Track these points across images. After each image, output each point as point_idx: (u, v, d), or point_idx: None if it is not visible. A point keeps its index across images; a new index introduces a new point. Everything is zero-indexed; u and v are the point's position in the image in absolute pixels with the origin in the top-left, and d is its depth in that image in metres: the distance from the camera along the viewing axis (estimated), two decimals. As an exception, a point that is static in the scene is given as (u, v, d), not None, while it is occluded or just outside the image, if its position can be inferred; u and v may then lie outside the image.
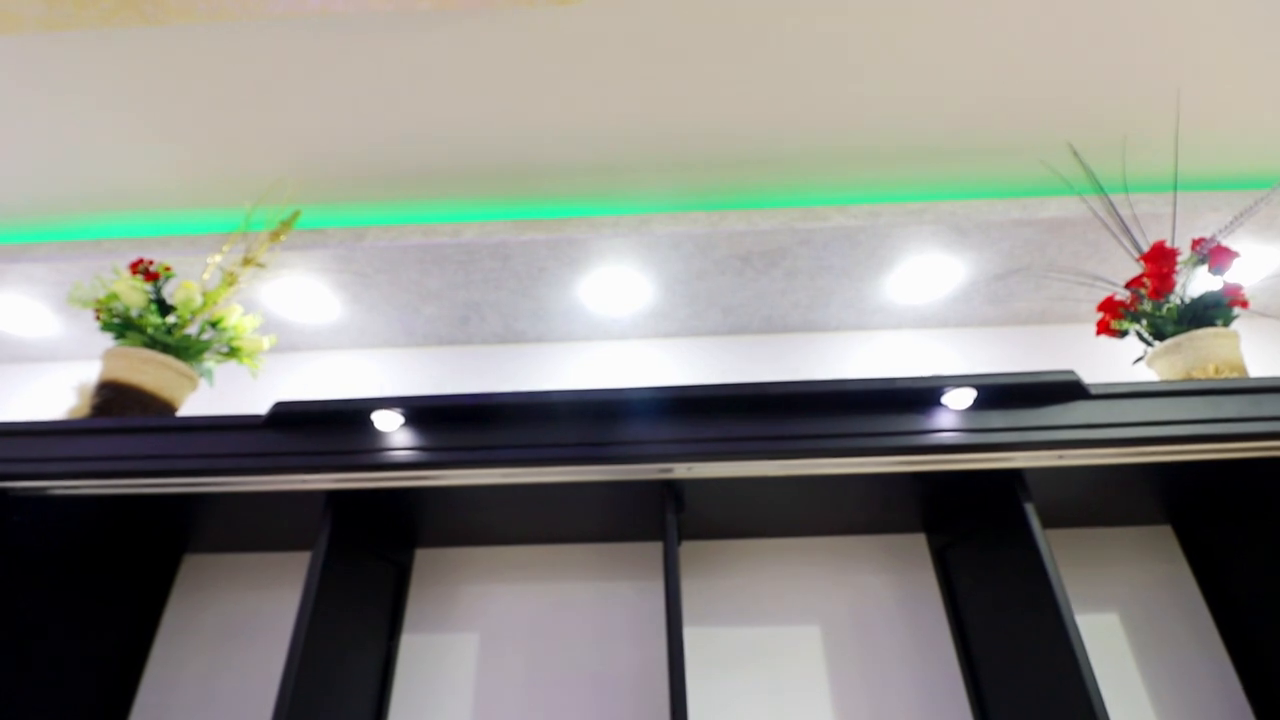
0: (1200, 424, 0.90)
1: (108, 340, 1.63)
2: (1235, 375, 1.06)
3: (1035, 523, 0.94)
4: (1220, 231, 1.20)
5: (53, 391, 1.71)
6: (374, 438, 0.95)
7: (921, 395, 0.91)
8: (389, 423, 0.94)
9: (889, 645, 1.21)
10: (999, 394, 0.91)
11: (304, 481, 0.98)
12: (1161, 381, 0.93)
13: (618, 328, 1.60)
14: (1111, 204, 1.25)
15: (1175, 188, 1.27)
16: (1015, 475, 0.98)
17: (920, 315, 1.58)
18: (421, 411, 0.94)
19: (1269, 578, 1.11)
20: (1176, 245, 1.21)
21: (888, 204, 1.30)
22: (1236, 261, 1.36)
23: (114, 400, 1.07)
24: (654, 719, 1.19)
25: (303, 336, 1.60)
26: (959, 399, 0.91)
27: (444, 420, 0.96)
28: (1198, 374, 1.08)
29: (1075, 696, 0.85)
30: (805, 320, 1.59)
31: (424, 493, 1.08)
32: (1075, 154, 1.26)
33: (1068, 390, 0.91)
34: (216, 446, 0.94)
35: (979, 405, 0.91)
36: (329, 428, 0.95)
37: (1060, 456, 0.93)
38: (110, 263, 1.35)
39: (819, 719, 1.16)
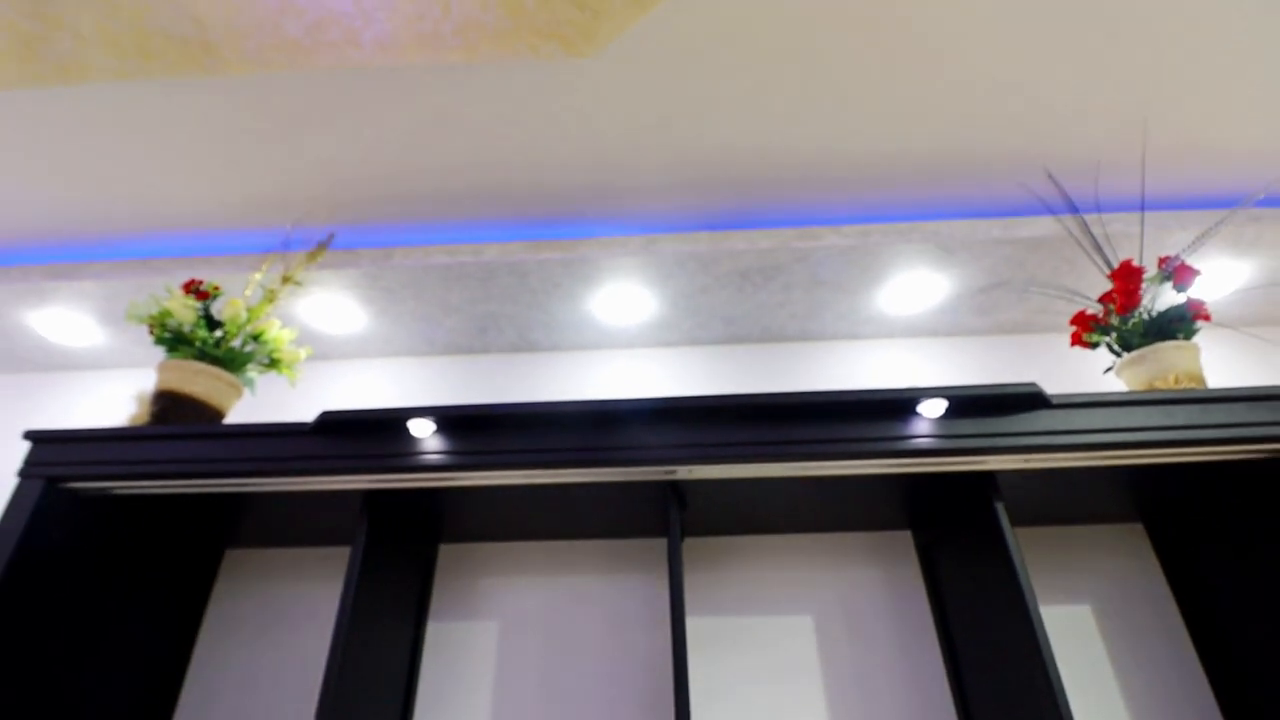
0: (1153, 431, 1.00)
1: (146, 350, 1.75)
2: (1194, 385, 1.16)
3: (1005, 521, 1.03)
4: (1185, 250, 1.29)
5: (96, 397, 1.83)
6: (408, 443, 1.06)
7: (899, 405, 1.01)
8: (422, 429, 1.05)
9: (876, 634, 1.31)
10: (968, 404, 1.01)
11: (344, 482, 1.09)
12: (1116, 392, 1.02)
13: (625, 337, 1.71)
14: (1085, 224, 1.34)
15: (1142, 209, 1.36)
16: (988, 477, 1.07)
17: (910, 325, 1.68)
18: (450, 419, 1.05)
19: (1232, 574, 1.20)
20: (1145, 263, 1.30)
21: (877, 224, 1.40)
22: (1206, 276, 1.45)
23: (170, 408, 1.19)
24: (660, 701, 1.29)
25: (332, 345, 1.72)
26: (933, 408, 1.01)
27: (470, 427, 1.07)
28: (1160, 384, 1.17)
29: (1041, 683, 0.95)
30: (801, 330, 1.69)
31: (450, 492, 1.18)
32: (1051, 177, 1.35)
33: (1031, 400, 1.00)
34: (268, 450, 1.05)
35: (951, 414, 1.01)
36: (368, 434, 1.06)
37: (1026, 460, 1.03)
38: (158, 280, 1.47)
39: (811, 702, 1.26)
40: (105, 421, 1.75)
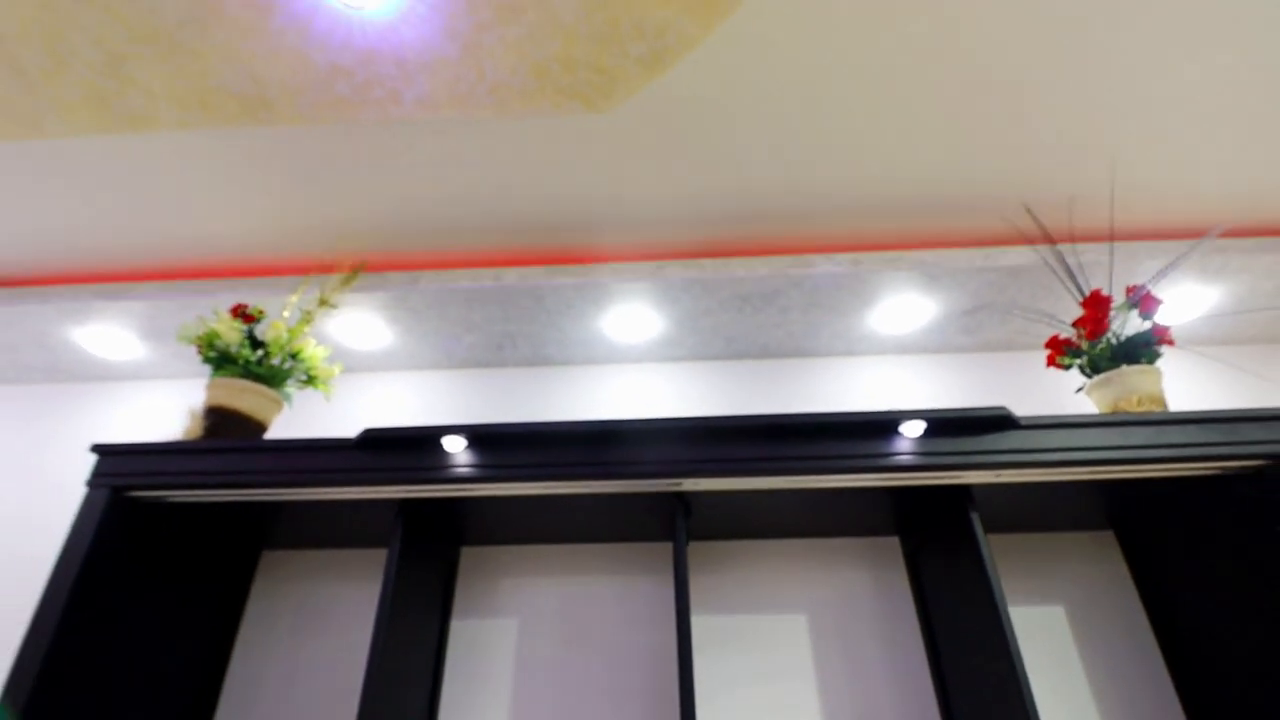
0: (1112, 450, 1.11)
1: (183, 363, 1.87)
2: (1155, 406, 1.27)
3: (979, 530, 1.14)
4: (1152, 279, 1.40)
5: (133, 406, 1.94)
6: (441, 457, 1.17)
7: (883, 425, 1.12)
8: (454, 445, 1.16)
9: (866, 632, 1.42)
10: (944, 424, 1.12)
11: (382, 492, 1.20)
12: (1079, 414, 1.13)
13: (633, 353, 1.82)
14: (1060, 254, 1.45)
15: (1111, 240, 1.47)
16: (963, 490, 1.19)
17: (900, 343, 1.79)
18: (480, 436, 1.16)
19: (1193, 579, 1.31)
20: (1114, 291, 1.42)
21: (868, 253, 1.51)
22: (1177, 301, 1.57)
23: (220, 422, 1.30)
24: (666, 694, 1.40)
25: (358, 359, 1.83)
26: (913, 429, 1.12)
27: (497, 443, 1.18)
28: (1124, 404, 1.28)
29: (1008, 674, 1.06)
30: (798, 348, 1.80)
31: (474, 500, 1.29)
32: (1029, 211, 1.46)
33: (1001, 422, 1.11)
34: (314, 463, 1.17)
35: (929, 433, 1.13)
36: (405, 449, 1.17)
37: (998, 475, 1.14)
38: (201, 300, 1.58)
39: (805, 694, 1.37)
40: (144, 428, 1.87)
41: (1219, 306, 1.65)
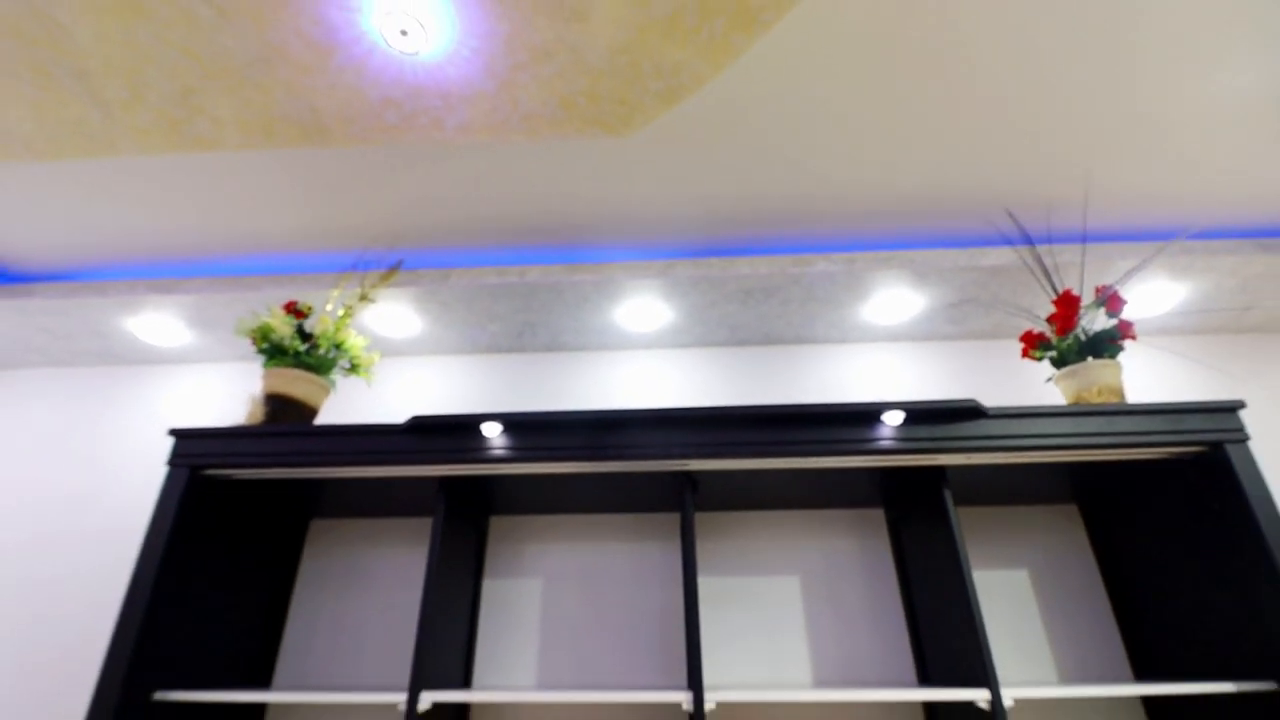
0: (1069, 436, 1.27)
1: (224, 349, 2.02)
2: (1114, 397, 1.42)
3: (950, 504, 1.31)
4: (1119, 280, 1.54)
5: (179, 387, 2.10)
6: (478, 440, 1.33)
7: (868, 415, 1.28)
8: (491, 430, 1.32)
9: (851, 591, 1.61)
10: (921, 414, 1.27)
11: (426, 470, 1.36)
12: (1041, 406, 1.28)
13: (644, 340, 1.97)
14: (1037, 254, 1.59)
15: (1084, 242, 1.60)
16: (938, 470, 1.35)
17: (892, 332, 1.93)
18: (513, 422, 1.32)
19: (1145, 548, 1.48)
20: (1085, 289, 1.55)
21: (861, 252, 1.64)
22: (1147, 297, 1.71)
23: (279, 408, 1.46)
24: (674, 647, 1.59)
25: (390, 345, 1.98)
26: (894, 418, 1.27)
27: (528, 428, 1.34)
28: (1086, 394, 1.43)
29: (969, 632, 1.23)
30: (797, 336, 1.95)
31: (506, 477, 1.46)
32: (1010, 215, 1.59)
33: (970, 412, 1.27)
34: (368, 445, 1.33)
35: (908, 422, 1.28)
36: (448, 433, 1.33)
37: (968, 458, 1.30)
38: (248, 294, 1.73)
39: (797, 645, 1.56)
40: (191, 408, 2.03)
41: (1187, 302, 1.78)
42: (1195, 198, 1.57)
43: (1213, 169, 1.49)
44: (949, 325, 1.89)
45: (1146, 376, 1.84)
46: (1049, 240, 1.62)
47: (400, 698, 1.23)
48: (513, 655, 1.59)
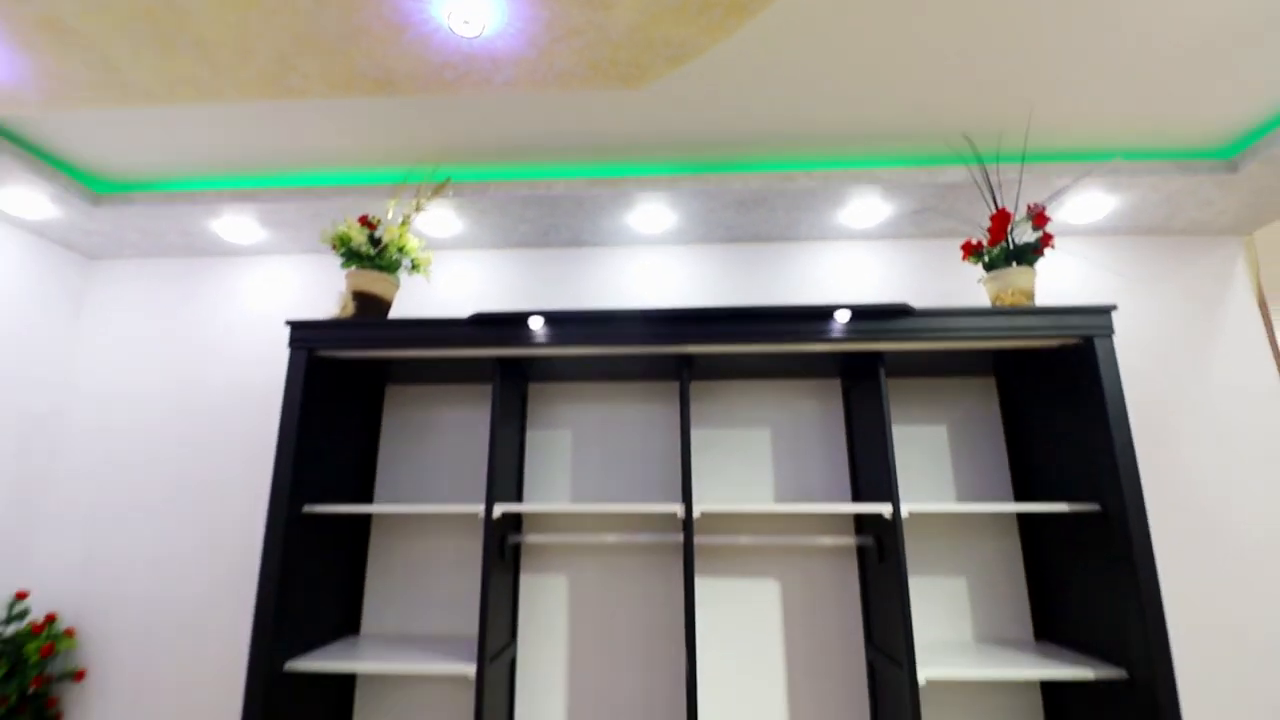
0: (977, 330, 1.66)
1: (291, 242, 2.35)
2: (1025, 299, 1.79)
3: (883, 379, 1.74)
4: (1049, 197, 1.84)
5: (252, 276, 2.46)
6: (525, 330, 1.73)
7: (824, 313, 1.67)
8: (536, 323, 1.72)
9: (809, 440, 2.10)
10: (864, 313, 1.66)
11: (485, 352, 1.78)
12: (956, 307, 1.66)
13: (651, 239, 2.30)
14: (986, 173, 1.87)
15: (1022, 162, 1.87)
16: (878, 354, 1.76)
17: (864, 232, 2.26)
18: (552, 317, 1.71)
19: (1038, 413, 1.93)
20: (1021, 205, 1.86)
21: (837, 170, 1.92)
22: (1084, 206, 2.01)
23: (364, 303, 1.84)
24: (672, 476, 2.11)
25: (434, 242, 2.31)
26: (843, 315, 1.66)
27: (562, 321, 1.73)
28: (1003, 295, 1.80)
29: (884, 467, 1.71)
30: (782, 235, 2.27)
31: (546, 357, 1.88)
32: (967, 139, 1.85)
33: (901, 311, 1.65)
34: (441, 333, 1.73)
35: (854, 318, 1.67)
36: (503, 325, 1.73)
37: (899, 345, 1.70)
38: (315, 202, 2.03)
39: (765, 474, 2.09)
40: (265, 292, 2.41)
41: (1118, 210, 2.08)
42: (1125, 123, 1.82)
43: (1142, 99, 1.73)
44: (911, 228, 2.21)
45: (1070, 277, 2.19)
46: (997, 160, 1.89)
47: (479, 508, 1.76)
48: (551, 483, 2.13)
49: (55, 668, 2.13)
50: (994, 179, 1.88)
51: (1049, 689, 1.89)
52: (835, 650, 1.97)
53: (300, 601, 1.73)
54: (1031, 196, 1.92)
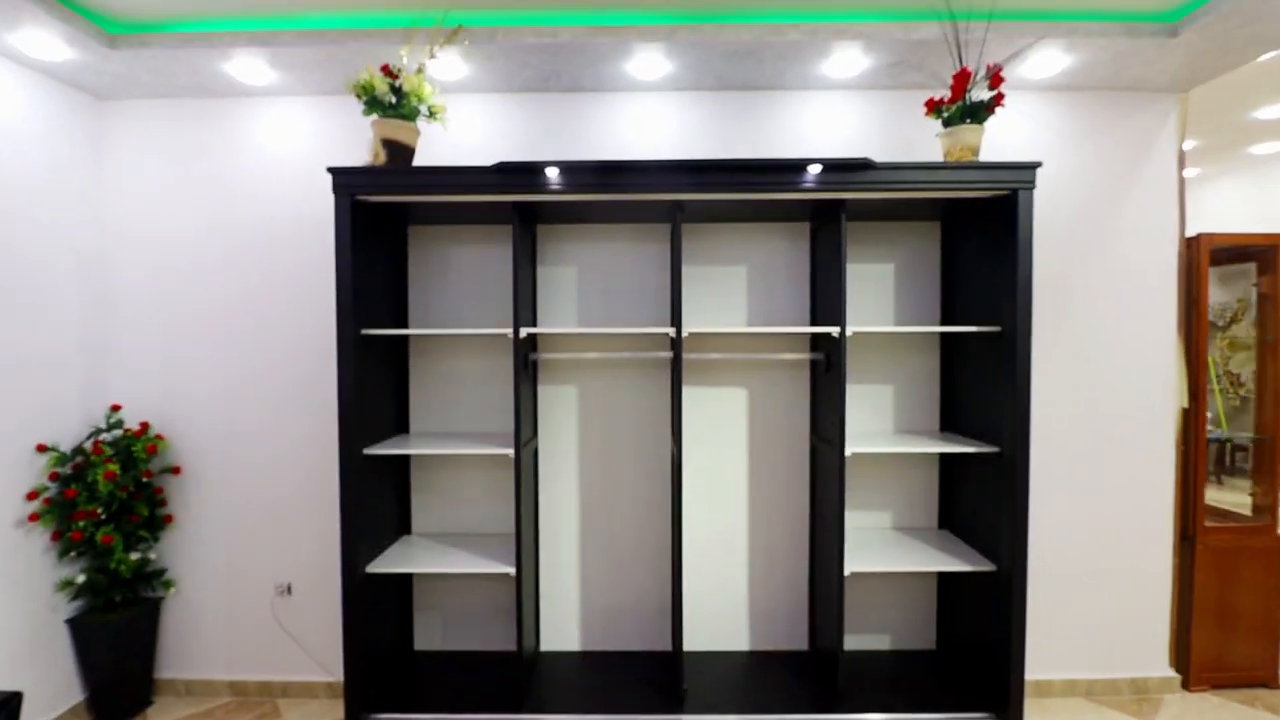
0: (925, 182, 1.98)
1: (300, 84, 2.43)
2: (970, 154, 2.07)
3: (844, 222, 2.07)
4: (1007, 59, 2.05)
5: (264, 116, 2.57)
6: (541, 177, 1.99)
7: (798, 166, 1.95)
8: (551, 172, 1.97)
9: (779, 275, 2.49)
10: (831, 166, 1.95)
11: (505, 198, 2.05)
12: (910, 161, 1.96)
13: (647, 84, 2.45)
14: (956, 30, 2.05)
15: (988, 22, 2.03)
16: (841, 202, 2.08)
17: (844, 83, 2.44)
18: (563, 167, 1.96)
19: (969, 252, 2.31)
20: (983, 63, 2.07)
21: (823, 23, 2.07)
22: (1044, 61, 2.22)
23: (394, 150, 2.05)
24: (664, 304, 2.51)
25: (440, 85, 2.42)
26: (814, 168, 1.95)
27: (573, 170, 1.99)
28: (954, 150, 2.08)
29: (838, 295, 2.11)
30: (770, 84, 2.44)
31: (557, 202, 2.15)
32: (944, -3, 2.00)
33: (864, 164, 1.95)
34: (468, 179, 1.99)
35: (823, 171, 1.96)
36: (522, 173, 1.98)
37: (860, 193, 2.02)
38: (329, 46, 2.12)
39: (739, 302, 2.50)
40: (278, 133, 2.55)
41: (1070, 68, 2.30)
42: (1091, -17, 1.99)
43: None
44: (887, 80, 2.40)
45: (1020, 132, 2.46)
46: (968, 18, 2.05)
47: (508, 330, 2.15)
48: (562, 310, 2.52)
49: (155, 465, 2.61)
50: (962, 38, 2.06)
51: (945, 460, 2.51)
52: (787, 439, 2.55)
53: (366, 406, 2.17)
54: (995, 55, 2.12)
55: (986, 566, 2.12)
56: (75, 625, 2.45)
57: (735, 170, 2.00)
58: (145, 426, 2.57)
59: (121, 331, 2.61)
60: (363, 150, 2.53)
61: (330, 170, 1.99)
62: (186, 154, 2.58)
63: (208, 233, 2.59)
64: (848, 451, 2.12)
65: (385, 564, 2.19)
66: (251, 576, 2.64)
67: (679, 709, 2.13)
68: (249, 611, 2.64)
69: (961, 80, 2.03)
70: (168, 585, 2.61)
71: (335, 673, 2.62)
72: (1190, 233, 2.64)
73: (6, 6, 1.88)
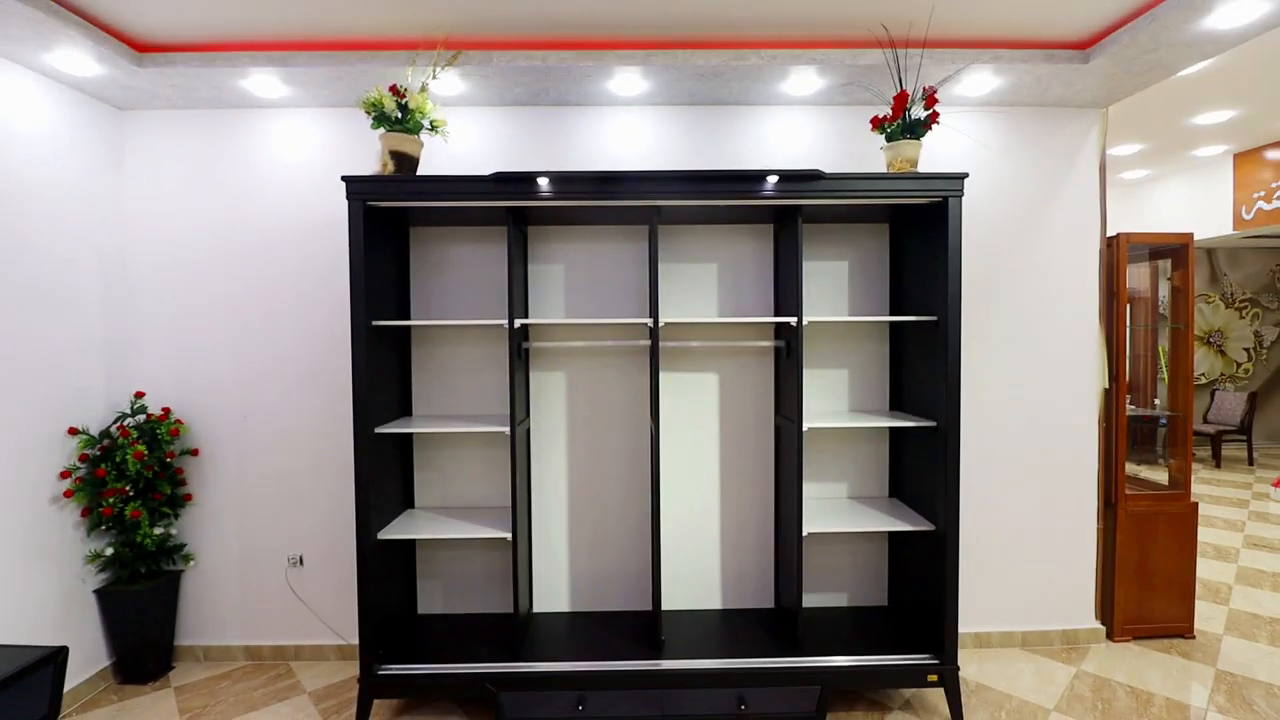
0: (870, 191, 2.27)
1: (310, 97, 2.66)
2: (909, 166, 2.36)
3: (800, 225, 2.36)
4: (941, 81, 2.35)
5: (275, 126, 2.79)
6: (534, 185, 2.25)
7: (759, 176, 2.23)
8: (543, 180, 2.23)
9: (746, 272, 2.77)
10: (787, 176, 2.23)
11: (500, 203, 2.30)
12: (857, 172, 2.25)
13: (626, 100, 2.72)
14: (897, 57, 2.34)
15: (923, 48, 2.33)
16: (798, 207, 2.36)
17: (803, 99, 2.73)
18: (554, 176, 2.23)
19: (913, 252, 2.61)
20: (920, 86, 2.36)
21: (781, 50, 2.35)
22: (975, 83, 2.52)
23: (400, 160, 2.30)
24: (643, 298, 2.78)
25: (437, 98, 2.67)
26: (772, 179, 2.23)
27: (562, 180, 2.25)
28: (895, 162, 2.37)
29: (796, 289, 2.40)
30: (736, 100, 2.73)
31: (546, 206, 2.40)
32: (884, 28, 2.29)
33: (815, 175, 2.23)
34: (467, 187, 2.24)
35: (780, 181, 2.25)
36: (516, 181, 2.24)
37: (814, 201, 2.31)
38: (339, 67, 2.36)
39: (710, 294, 2.78)
40: (287, 142, 2.78)
41: (1000, 87, 2.61)
42: (1007, 20, 2.29)
43: (1019, 3, 2.19)
44: (841, 96, 2.69)
45: (957, 146, 2.77)
46: (906, 46, 2.34)
47: (504, 321, 2.41)
48: (551, 304, 2.78)
49: (176, 446, 2.83)
50: (902, 63, 2.36)
51: (894, 437, 2.82)
52: (754, 419, 2.83)
53: (376, 390, 2.41)
54: (930, 79, 2.42)
55: (926, 526, 2.43)
56: (103, 595, 2.67)
57: (705, 180, 2.27)
58: (167, 411, 2.79)
59: (142, 325, 2.83)
60: (366, 157, 2.77)
61: (344, 179, 2.23)
62: (202, 160, 2.80)
63: (221, 233, 2.81)
64: (805, 426, 2.41)
65: (394, 531, 2.44)
66: (265, 549, 2.87)
67: (658, 655, 2.41)
68: (263, 581, 2.88)
69: (900, 101, 2.32)
70: (187, 559, 2.84)
71: (345, 636, 2.86)
72: (1111, 233, 2.97)
73: (44, 29, 2.09)
